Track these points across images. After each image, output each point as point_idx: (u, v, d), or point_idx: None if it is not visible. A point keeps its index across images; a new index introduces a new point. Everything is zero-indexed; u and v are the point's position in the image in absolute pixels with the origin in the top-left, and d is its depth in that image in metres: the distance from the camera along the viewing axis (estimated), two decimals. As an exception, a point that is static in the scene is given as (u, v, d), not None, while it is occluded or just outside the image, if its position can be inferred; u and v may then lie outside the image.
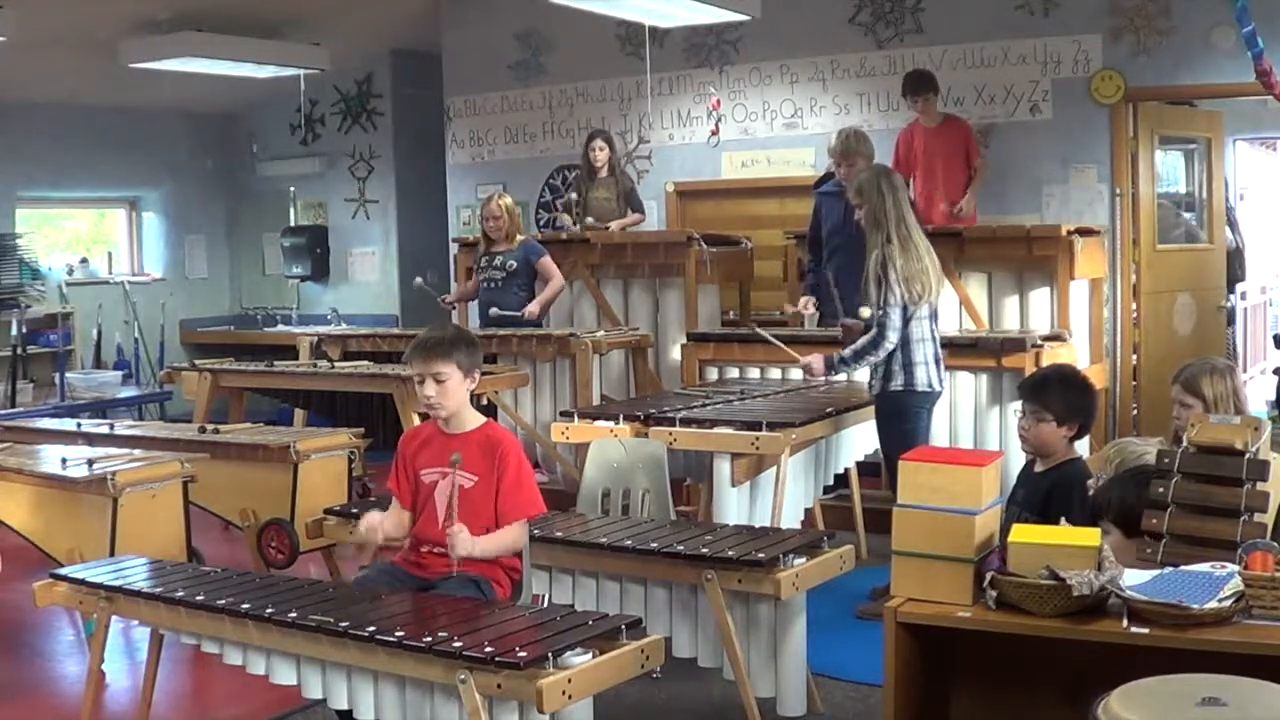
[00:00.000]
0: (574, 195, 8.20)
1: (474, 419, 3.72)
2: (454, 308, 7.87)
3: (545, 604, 4.09)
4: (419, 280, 8.01)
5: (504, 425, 6.64)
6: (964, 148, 7.25)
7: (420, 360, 3.65)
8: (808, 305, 6.61)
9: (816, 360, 5.37)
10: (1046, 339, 5.94)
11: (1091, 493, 3.46)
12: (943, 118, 7.30)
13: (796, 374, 6.23)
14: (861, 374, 5.57)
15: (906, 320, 5.05)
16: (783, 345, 5.87)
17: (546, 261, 7.27)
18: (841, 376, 5.55)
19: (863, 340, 5.15)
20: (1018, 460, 4.27)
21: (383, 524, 3.70)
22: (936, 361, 5.16)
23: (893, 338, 5.04)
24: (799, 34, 8.14)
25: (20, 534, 5.00)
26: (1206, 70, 7.01)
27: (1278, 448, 3.27)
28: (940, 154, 7.22)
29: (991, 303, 6.54)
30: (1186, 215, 7.90)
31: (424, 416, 3.80)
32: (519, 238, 7.36)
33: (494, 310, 7.26)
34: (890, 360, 5.09)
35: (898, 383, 5.09)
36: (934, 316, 5.19)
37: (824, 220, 6.53)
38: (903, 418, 5.13)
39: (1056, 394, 3.87)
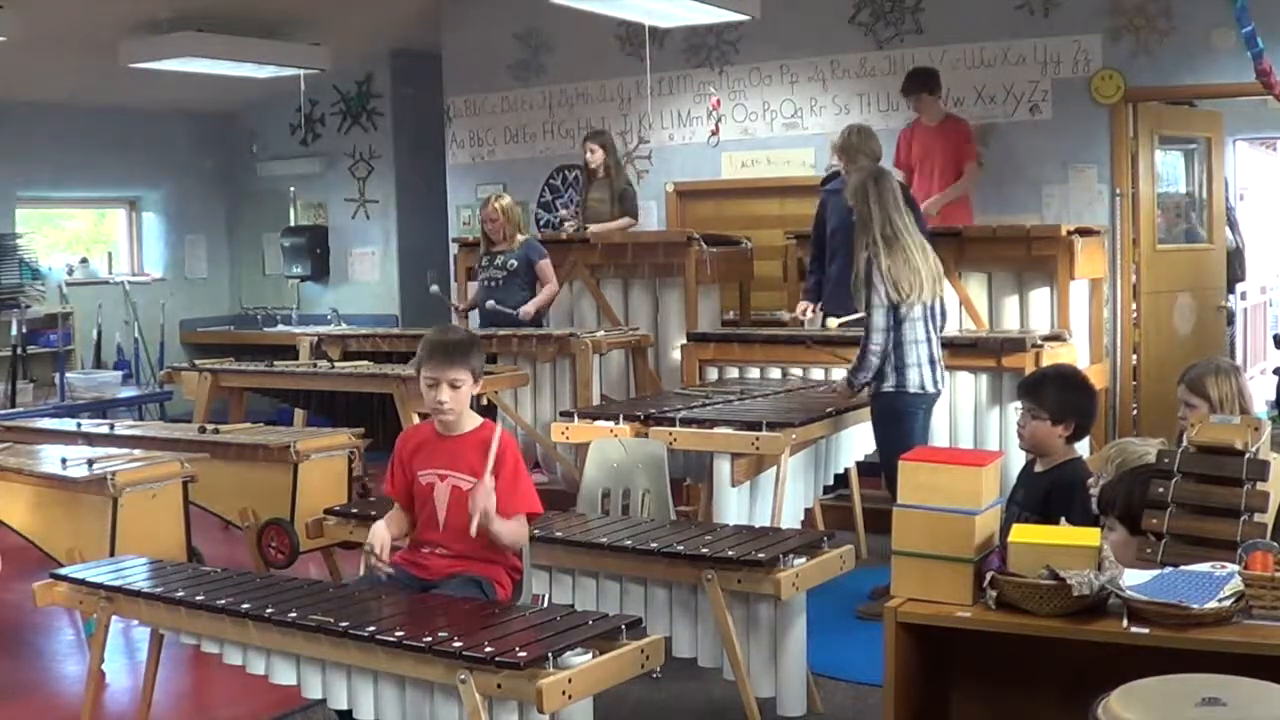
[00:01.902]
0: (573, 194, 8.20)
1: (472, 420, 3.72)
2: (466, 315, 7.87)
3: (545, 604, 4.09)
4: (435, 288, 8.00)
5: (502, 426, 6.69)
6: (956, 149, 7.23)
7: (438, 366, 3.61)
8: (805, 310, 6.61)
9: (841, 385, 5.34)
10: (1046, 339, 5.94)
11: (1093, 492, 3.46)
12: (944, 117, 7.30)
13: (796, 373, 6.25)
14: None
15: (899, 321, 5.05)
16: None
17: (546, 264, 7.30)
18: (864, 378, 5.25)
19: (858, 352, 5.15)
20: (1018, 460, 4.27)
21: (387, 544, 3.65)
22: (932, 363, 5.14)
23: (878, 339, 5.04)
24: (799, 34, 8.14)
25: (20, 534, 5.00)
26: (1206, 70, 7.01)
27: (1278, 448, 3.27)
28: (937, 153, 7.21)
29: (991, 303, 6.54)
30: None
31: (423, 416, 3.80)
32: (520, 238, 7.38)
33: (490, 303, 7.28)
34: (884, 362, 5.09)
35: (889, 384, 5.09)
36: (931, 318, 5.17)
37: (828, 218, 6.53)
38: (897, 419, 5.13)
39: (1051, 392, 3.87)
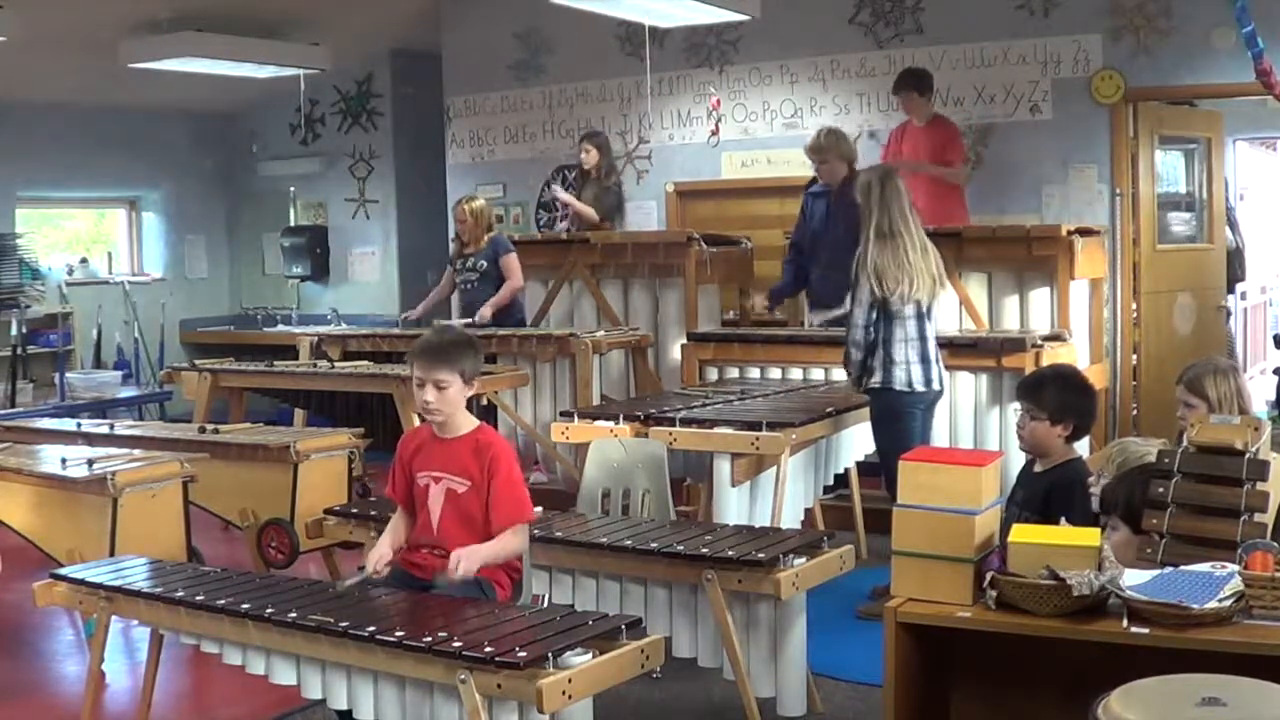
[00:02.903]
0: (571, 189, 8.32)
1: (467, 423, 3.71)
2: (420, 322, 7.89)
3: (545, 604, 4.09)
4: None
5: (501, 426, 6.69)
6: (942, 149, 7.20)
7: (424, 366, 3.63)
8: (757, 304, 6.86)
9: (845, 385, 5.47)
10: (1046, 339, 5.94)
11: (1095, 491, 3.46)
12: (932, 117, 7.30)
13: (796, 374, 6.26)
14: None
15: (890, 318, 5.06)
16: None
17: (510, 260, 7.39)
18: (876, 379, 5.21)
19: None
20: (1018, 460, 4.27)
21: (385, 557, 3.66)
22: (924, 361, 5.13)
23: (856, 334, 5.09)
24: (799, 34, 8.14)
25: (20, 534, 5.00)
26: (1206, 70, 7.01)
27: (1278, 448, 3.27)
28: (924, 154, 7.21)
29: (991, 303, 6.54)
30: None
31: (423, 417, 3.80)
32: (487, 237, 7.45)
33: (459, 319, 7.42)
34: (872, 357, 5.12)
35: (876, 379, 5.12)
36: (924, 317, 5.17)
37: (809, 221, 6.59)
38: (888, 416, 5.15)
39: (1050, 393, 3.87)
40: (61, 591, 3.99)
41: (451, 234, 9.33)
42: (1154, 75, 7.16)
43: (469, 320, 7.29)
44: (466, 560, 3.47)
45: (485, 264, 7.40)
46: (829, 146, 6.41)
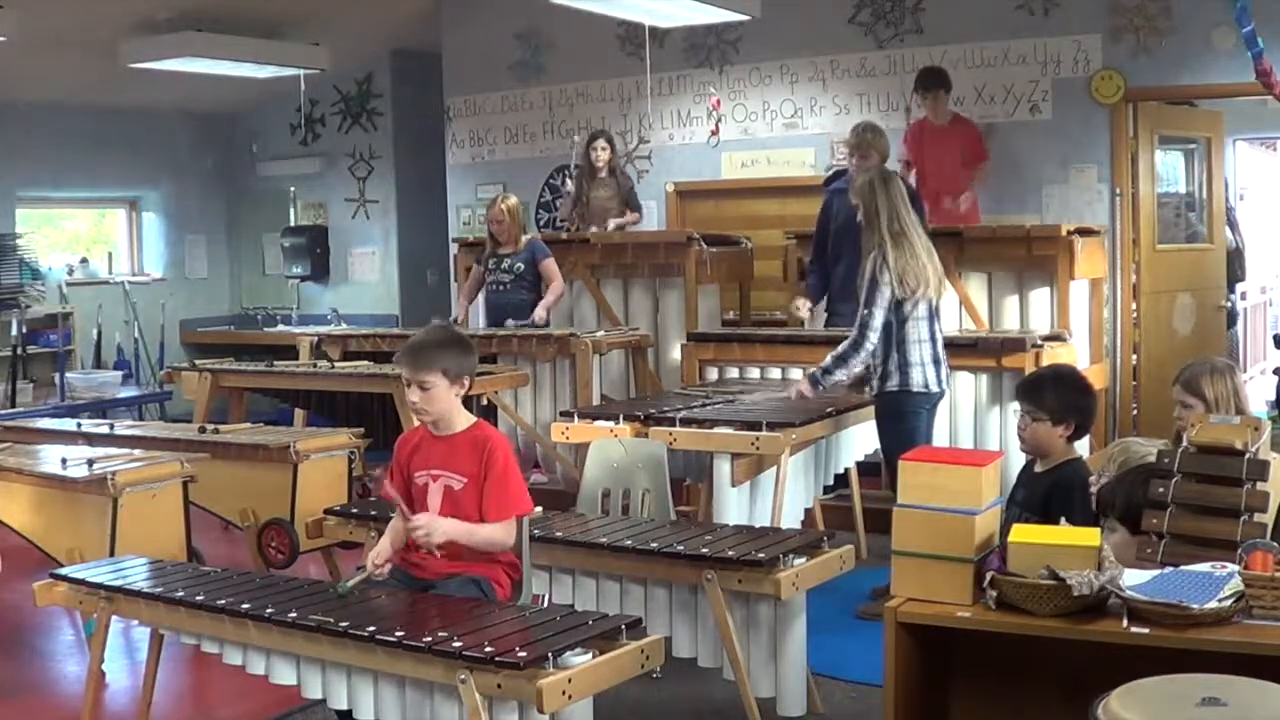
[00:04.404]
0: (571, 189, 8.26)
1: (463, 420, 3.71)
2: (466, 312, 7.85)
3: (545, 604, 4.09)
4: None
5: (501, 426, 6.69)
6: (970, 148, 7.24)
7: (408, 367, 3.65)
8: (801, 308, 6.60)
9: (803, 384, 5.23)
10: (1046, 339, 5.94)
11: (1094, 491, 3.46)
12: (952, 116, 7.31)
13: (797, 374, 6.23)
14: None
15: (903, 320, 5.05)
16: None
17: (550, 264, 7.31)
18: (839, 376, 5.19)
19: (843, 345, 5.13)
20: (1018, 460, 4.26)
21: (384, 553, 3.67)
22: (935, 362, 5.14)
23: (873, 338, 5.04)
24: (799, 34, 8.14)
25: (20, 534, 5.00)
26: (1206, 70, 7.01)
27: (1278, 448, 3.27)
28: (948, 153, 7.22)
29: (991, 303, 6.54)
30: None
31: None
32: (524, 238, 7.40)
33: (510, 322, 7.26)
34: (887, 361, 5.09)
35: (893, 383, 5.09)
36: (934, 317, 5.17)
37: (833, 217, 6.54)
38: (901, 418, 5.13)
39: (1050, 393, 3.86)
40: (61, 591, 3.99)
41: (453, 234, 9.36)
42: (1154, 75, 7.16)
43: (525, 324, 7.16)
44: (428, 525, 3.50)
45: (523, 266, 7.29)
46: (872, 143, 6.31)
